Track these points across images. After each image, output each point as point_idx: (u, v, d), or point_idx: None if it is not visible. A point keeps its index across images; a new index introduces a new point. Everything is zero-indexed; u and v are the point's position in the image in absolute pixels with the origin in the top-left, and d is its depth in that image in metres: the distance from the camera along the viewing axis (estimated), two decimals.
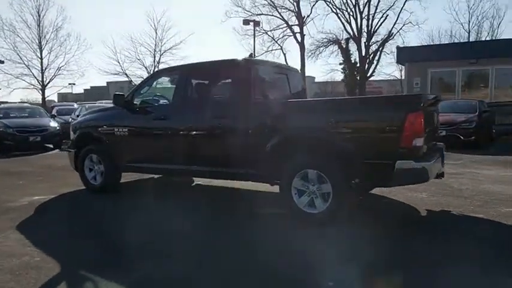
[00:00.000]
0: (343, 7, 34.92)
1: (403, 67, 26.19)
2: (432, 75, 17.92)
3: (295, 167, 4.44)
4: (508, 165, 8.49)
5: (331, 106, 4.51)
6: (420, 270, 3.27)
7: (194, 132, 5.14)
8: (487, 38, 34.25)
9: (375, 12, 34.45)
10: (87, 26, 70.62)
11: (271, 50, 36.09)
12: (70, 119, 16.21)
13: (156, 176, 7.29)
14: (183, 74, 5.37)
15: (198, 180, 7.00)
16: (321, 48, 36.71)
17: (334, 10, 35.40)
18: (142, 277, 3.23)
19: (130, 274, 3.28)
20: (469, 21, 37.66)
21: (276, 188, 4.76)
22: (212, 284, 3.11)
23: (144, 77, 31.11)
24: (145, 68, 31.86)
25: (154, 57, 31.81)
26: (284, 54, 35.44)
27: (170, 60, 31.51)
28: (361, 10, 34.91)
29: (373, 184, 4.48)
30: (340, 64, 38.47)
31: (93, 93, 55.07)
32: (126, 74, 31.05)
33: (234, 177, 5.13)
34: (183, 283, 3.15)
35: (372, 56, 35.74)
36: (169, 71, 5.79)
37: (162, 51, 31.74)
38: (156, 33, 31.86)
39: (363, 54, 35.60)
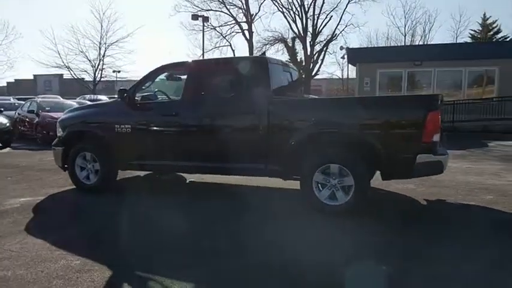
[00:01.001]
0: (289, 6, 35.82)
1: (344, 67, 27.61)
2: (381, 75, 19.12)
3: (318, 162, 4.62)
4: (466, 158, 9.41)
5: (355, 104, 4.76)
6: (450, 244, 3.67)
7: (211, 129, 5.11)
8: (420, 42, 37.16)
9: (320, 13, 35.78)
10: (20, 13, 65.12)
11: (220, 46, 36.02)
12: (16, 114, 15.01)
13: (142, 174, 7.10)
14: (196, 69, 5.29)
15: (190, 178, 6.92)
16: (267, 46, 37.38)
17: (281, 9, 36.20)
18: (204, 274, 3.22)
19: (191, 271, 3.25)
20: (405, 26, 40.64)
21: (276, 183, 4.91)
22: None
23: (89, 71, 29.33)
24: (90, 61, 30.12)
25: (100, 50, 30.16)
26: (233, 51, 35.57)
27: (116, 54, 30.13)
28: (307, 10, 36.03)
29: (393, 176, 4.79)
30: (288, 62, 39.38)
31: (18, 86, 50.66)
32: (68, 67, 29.09)
33: (252, 173, 5.18)
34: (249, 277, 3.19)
35: (316, 55, 37.05)
36: (177, 67, 5.63)
37: (107, 44, 30.18)
38: (101, 25, 30.23)
39: (308, 53, 36.78)
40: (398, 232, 4.18)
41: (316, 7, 35.49)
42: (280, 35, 37.21)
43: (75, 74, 30.01)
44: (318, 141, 4.66)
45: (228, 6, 34.24)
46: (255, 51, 36.89)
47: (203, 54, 32.11)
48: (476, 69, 17.60)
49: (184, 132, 5.18)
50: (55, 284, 3.02)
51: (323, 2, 35.25)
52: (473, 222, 4.63)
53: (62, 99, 16.68)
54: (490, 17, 36.91)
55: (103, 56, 30.14)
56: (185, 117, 5.18)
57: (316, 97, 10.16)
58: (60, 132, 6.11)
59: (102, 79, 32.50)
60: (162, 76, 5.86)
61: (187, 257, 3.56)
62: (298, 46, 37.58)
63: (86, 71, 30.00)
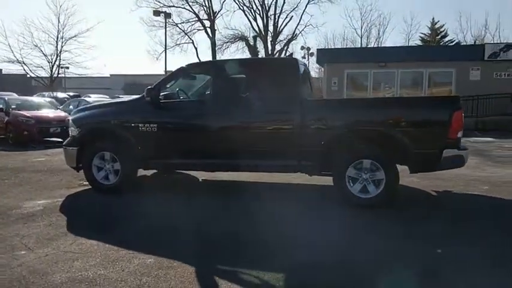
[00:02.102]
0: (250, 5, 36.08)
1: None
2: (348, 75, 19.91)
3: (351, 157, 4.92)
4: None
5: (387, 103, 5.10)
6: (471, 224, 4.38)
7: (243, 128, 5.22)
8: (375, 44, 38.92)
9: (280, 13, 36.35)
10: None
11: (181, 44, 35.56)
12: None
13: (148, 173, 7.04)
14: (226, 69, 5.37)
15: (202, 176, 6.96)
16: (227, 44, 37.44)
17: (241, 7, 36.35)
18: (285, 265, 3.38)
19: (272, 262, 3.40)
20: (361, 27, 42.22)
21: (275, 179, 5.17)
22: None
23: (47, 67, 27.64)
24: (46, 56, 28.41)
25: (57, 45, 28.52)
26: (196, 49, 35.24)
27: (75, 49, 28.70)
28: (267, 9, 36.46)
29: (420, 170, 5.19)
30: None
31: None
32: (22, 62, 27.21)
33: (285, 170, 5.37)
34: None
35: (277, 54, 37.65)
36: (203, 66, 5.67)
37: (65, 39, 28.61)
38: (58, 19, 28.59)
39: (269, 52, 37.26)
40: (427, 217, 4.73)
41: (277, 7, 36.08)
42: (240, 33, 37.40)
43: (30, 70, 28.19)
44: (352, 139, 4.95)
45: (190, 3, 33.86)
46: (217, 49, 36.85)
47: (165, 50, 31.57)
48: (435, 71, 18.86)
49: (215, 131, 5.25)
50: (145, 282, 3.06)
51: (283, 2, 35.90)
52: (482, 207, 5.26)
53: (27, 97, 15.74)
54: (438, 21, 39.53)
55: (60, 52, 28.51)
56: (217, 116, 5.25)
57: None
58: (74, 132, 5.91)
59: (59, 75, 30.83)
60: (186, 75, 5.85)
61: (260, 249, 3.70)
62: (260, 45, 37.98)
63: (41, 67, 28.25)
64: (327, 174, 5.27)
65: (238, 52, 40.91)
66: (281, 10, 36.18)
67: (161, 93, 5.52)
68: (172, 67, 31.47)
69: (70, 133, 6.06)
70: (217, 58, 36.17)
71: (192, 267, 3.30)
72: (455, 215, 4.84)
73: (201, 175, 6.98)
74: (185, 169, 6.16)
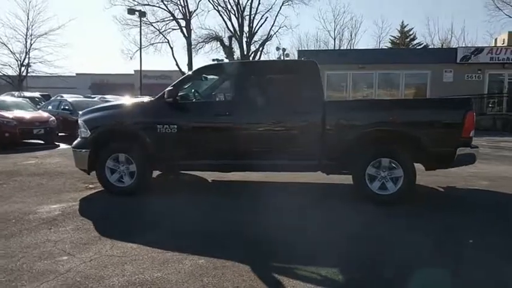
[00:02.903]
0: (225, 5, 36.06)
1: None
2: (328, 77, 20.32)
3: (371, 156, 5.09)
4: None
5: (404, 104, 5.30)
6: (479, 215, 4.75)
7: (265, 129, 5.28)
8: (347, 46, 39.85)
9: (255, 13, 36.57)
10: None
11: (156, 43, 35.03)
12: None
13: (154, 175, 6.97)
14: (249, 70, 5.40)
15: (210, 177, 6.96)
16: (202, 44, 37.25)
17: (216, 7, 36.27)
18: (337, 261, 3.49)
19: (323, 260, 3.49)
20: (335, 30, 43.11)
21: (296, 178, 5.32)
22: None
23: (15, 65, 26.30)
24: (14, 54, 27.15)
25: (26, 42, 27.32)
26: (171, 48, 34.79)
27: (45, 47, 27.63)
28: (242, 10, 36.58)
29: (436, 167, 5.42)
30: (217, 60, 39.71)
31: None
32: None
33: (306, 169, 5.47)
34: None
35: (252, 55, 37.82)
36: (224, 67, 5.67)
37: (34, 37, 27.46)
38: (27, 16, 27.33)
39: (245, 52, 37.38)
40: (440, 210, 5.06)
41: (252, 7, 36.25)
42: (214, 33, 37.29)
43: None
44: (371, 138, 5.13)
45: (166, 2, 33.40)
46: (193, 48, 36.54)
47: (140, 49, 31.01)
48: (411, 72, 19.63)
49: (238, 132, 5.28)
50: (208, 282, 3.07)
51: (258, 3, 36.15)
52: (487, 201, 5.65)
53: (5, 96, 15.03)
54: (408, 25, 41.05)
55: (29, 50, 27.34)
56: (239, 117, 5.28)
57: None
58: (85, 133, 5.77)
59: (29, 74, 29.55)
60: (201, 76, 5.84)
61: (306, 248, 3.79)
62: (235, 45, 38.01)
63: (9, 65, 26.94)
64: (345, 173, 5.44)
65: (212, 52, 40.83)
66: (256, 11, 36.45)
67: (179, 94, 5.50)
68: (147, 67, 30.96)
69: (80, 135, 5.89)
70: (192, 58, 35.96)
71: (246, 266, 3.34)
72: (469, 208, 5.17)
73: (209, 176, 6.97)
74: (205, 170, 6.11)
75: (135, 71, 49.81)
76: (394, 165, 5.08)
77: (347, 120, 5.16)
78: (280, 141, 5.22)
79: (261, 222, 4.53)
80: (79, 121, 5.94)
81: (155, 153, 5.51)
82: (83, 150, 5.75)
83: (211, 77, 6.15)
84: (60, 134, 13.05)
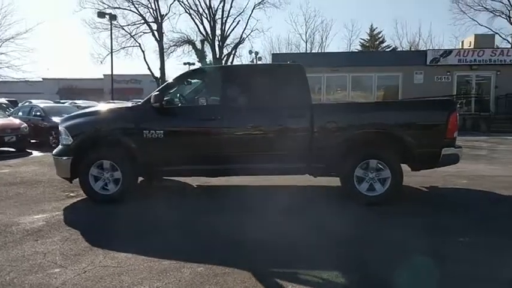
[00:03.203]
0: (196, 8, 35.89)
1: None
2: None
3: (359, 158, 5.17)
4: None
5: (390, 107, 5.42)
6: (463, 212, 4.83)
7: (254, 133, 5.27)
8: (319, 49, 40.44)
9: (227, 17, 36.59)
10: None
11: (127, 47, 34.44)
12: None
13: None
14: (235, 75, 5.37)
15: (195, 182, 6.88)
16: (173, 48, 36.93)
17: (188, 10, 36.04)
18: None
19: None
20: (306, 33, 43.68)
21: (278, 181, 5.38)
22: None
23: None
24: None
25: None
26: (143, 52, 34.26)
27: (12, 52, 26.58)
28: (214, 13, 36.51)
29: (422, 167, 5.56)
30: (189, 64, 39.53)
31: None
32: None
33: (295, 172, 5.49)
34: None
35: (225, 58, 37.77)
36: (210, 71, 5.60)
37: (0, 41, 26.35)
38: None
39: (217, 56, 37.29)
40: (430, 210, 5.17)
41: (224, 10, 36.23)
42: (186, 37, 37.04)
43: None
44: (359, 140, 5.22)
45: (136, 5, 32.90)
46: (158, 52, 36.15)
47: (111, 53, 30.33)
48: (384, 75, 20.13)
49: (226, 136, 5.25)
50: None
51: (230, 6, 36.17)
52: (471, 198, 5.89)
53: None
54: (377, 28, 42.13)
55: None
56: (227, 122, 5.24)
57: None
58: (67, 140, 5.57)
59: None
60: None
61: (304, 251, 3.80)
62: (207, 48, 37.88)
63: None
64: (333, 175, 5.50)
65: (184, 56, 40.56)
66: (228, 14, 36.47)
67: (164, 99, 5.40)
68: (117, 71, 30.38)
69: (61, 141, 5.69)
70: (165, 61, 35.54)
71: (247, 272, 3.31)
72: (456, 207, 5.34)
73: (193, 181, 6.88)
74: (193, 175, 6.01)
75: (104, 75, 48.75)
76: (381, 166, 5.18)
77: (335, 123, 5.21)
78: (268, 144, 5.23)
79: (255, 227, 4.49)
80: (60, 127, 5.74)
81: (142, 159, 5.39)
82: (65, 158, 5.55)
83: (195, 81, 6.08)
84: (31, 141, 12.57)
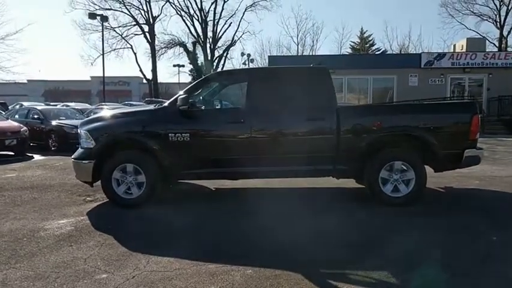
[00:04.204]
0: (188, 10, 35.78)
1: None
2: None
3: (384, 160, 5.24)
4: None
5: (416, 109, 5.49)
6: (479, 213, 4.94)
7: (280, 135, 5.28)
8: (310, 52, 40.65)
9: (219, 19, 36.59)
10: None
11: (118, 49, 34.11)
12: None
13: None
14: (262, 77, 5.38)
15: (213, 185, 6.84)
16: (164, 49, 36.75)
17: (179, 12, 35.91)
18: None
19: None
20: (297, 35, 43.94)
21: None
22: None
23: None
24: None
25: None
26: (135, 54, 34.00)
27: (2, 53, 26.06)
28: (206, 15, 36.47)
29: (445, 169, 5.65)
30: (179, 66, 39.39)
31: None
32: None
33: (321, 174, 5.51)
34: None
35: (217, 60, 37.73)
36: (237, 74, 5.57)
37: None
38: None
39: (209, 58, 37.23)
40: (449, 210, 5.32)
41: (216, 13, 36.22)
42: (177, 39, 36.90)
43: None
44: (385, 142, 5.28)
45: (128, 7, 32.62)
46: (149, 54, 35.94)
47: (103, 55, 30.01)
48: (379, 77, 20.39)
49: (252, 139, 5.25)
50: None
51: (222, 8, 36.18)
52: (483, 198, 6.03)
53: None
54: (367, 31, 42.61)
55: None
56: (254, 124, 5.25)
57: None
58: (89, 143, 5.49)
59: None
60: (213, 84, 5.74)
61: (343, 252, 3.82)
62: (199, 50, 37.80)
63: None
64: (357, 177, 5.56)
65: (175, 58, 40.32)
66: (220, 16, 36.49)
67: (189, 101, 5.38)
68: (107, 73, 30.06)
69: (82, 145, 5.62)
70: (156, 63, 35.31)
71: (297, 274, 3.32)
72: (464, 206, 5.53)
73: (210, 184, 6.85)
74: (218, 178, 5.97)
75: (91, 77, 48.17)
76: (405, 168, 5.25)
77: (360, 125, 5.27)
78: (295, 147, 5.24)
79: (285, 229, 4.52)
80: (81, 131, 5.65)
81: (166, 162, 5.35)
82: (86, 161, 5.47)
83: (218, 84, 6.06)
84: (30, 144, 12.34)
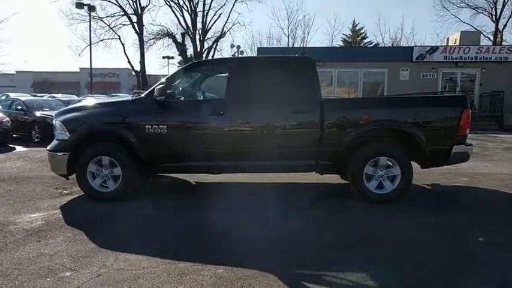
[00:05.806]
0: (177, 1, 35.21)
1: None
2: None
3: (369, 155, 5.08)
4: None
5: (402, 102, 5.32)
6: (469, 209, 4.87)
7: (262, 128, 5.09)
8: (301, 43, 40.38)
9: (209, 10, 36.04)
10: None
11: (106, 39, 33.54)
12: None
13: None
14: (243, 68, 5.18)
15: (194, 179, 6.66)
16: (153, 41, 36.24)
17: (168, 2, 35.33)
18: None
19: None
20: (288, 27, 43.60)
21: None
22: None
23: None
24: None
25: None
26: (123, 45, 33.45)
27: None
28: (195, 6, 35.90)
29: (432, 165, 5.49)
30: (169, 57, 38.91)
31: None
32: None
33: (304, 169, 5.35)
34: None
35: (206, 51, 37.27)
36: (217, 64, 5.35)
37: None
38: None
39: (198, 49, 36.75)
40: (437, 207, 5.19)
41: (205, 3, 35.68)
42: (166, 30, 36.36)
43: None
44: (369, 137, 5.11)
45: None
46: (137, 45, 35.45)
47: (90, 45, 29.49)
48: (369, 71, 20.23)
49: (232, 132, 5.06)
50: None
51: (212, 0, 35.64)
52: (471, 195, 5.92)
53: None
54: (359, 23, 42.39)
55: None
56: (233, 117, 5.06)
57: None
58: (63, 135, 5.27)
59: None
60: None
61: (324, 251, 3.68)
62: (188, 42, 37.31)
63: None
64: (340, 173, 5.41)
65: (164, 49, 39.85)
66: (209, 7, 35.98)
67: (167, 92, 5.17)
68: (96, 64, 29.60)
69: (57, 136, 5.39)
70: (145, 55, 34.81)
71: (270, 274, 3.17)
72: (452, 202, 5.45)
73: (190, 178, 6.65)
74: (197, 172, 5.78)
75: (80, 68, 47.48)
76: (391, 163, 5.10)
77: (346, 119, 5.09)
78: (276, 141, 5.07)
79: (265, 225, 4.38)
80: (55, 122, 5.43)
81: (143, 155, 5.15)
82: (61, 154, 5.26)
83: (198, 74, 5.85)
84: (13, 135, 12.05)
